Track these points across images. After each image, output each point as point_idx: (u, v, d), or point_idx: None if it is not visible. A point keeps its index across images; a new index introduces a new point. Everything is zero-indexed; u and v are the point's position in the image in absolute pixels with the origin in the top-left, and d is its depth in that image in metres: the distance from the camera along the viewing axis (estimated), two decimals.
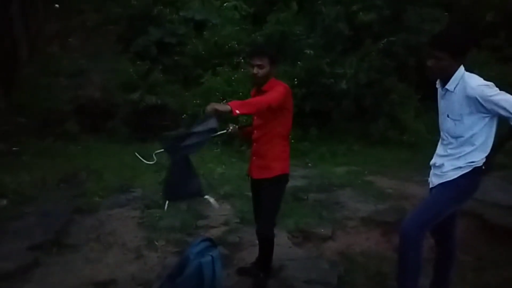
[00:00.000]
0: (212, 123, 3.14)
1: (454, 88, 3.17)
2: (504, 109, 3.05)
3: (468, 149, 3.21)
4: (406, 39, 9.72)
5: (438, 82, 3.35)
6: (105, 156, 7.86)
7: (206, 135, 3.20)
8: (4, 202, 5.66)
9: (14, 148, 8.07)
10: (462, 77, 3.17)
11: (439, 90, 3.35)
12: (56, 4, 12.27)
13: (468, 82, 3.13)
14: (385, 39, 9.65)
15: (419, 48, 9.79)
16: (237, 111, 3.08)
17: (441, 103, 3.34)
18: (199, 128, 3.18)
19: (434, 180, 3.39)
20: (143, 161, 3.66)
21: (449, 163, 3.28)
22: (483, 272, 4.37)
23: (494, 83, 3.18)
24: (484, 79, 3.20)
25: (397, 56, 9.81)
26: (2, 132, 8.42)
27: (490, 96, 3.06)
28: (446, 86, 3.21)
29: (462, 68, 3.19)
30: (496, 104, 3.06)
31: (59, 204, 5.66)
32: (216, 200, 5.69)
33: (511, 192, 5.67)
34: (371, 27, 10.02)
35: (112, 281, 4.05)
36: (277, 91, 3.53)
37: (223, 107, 3.07)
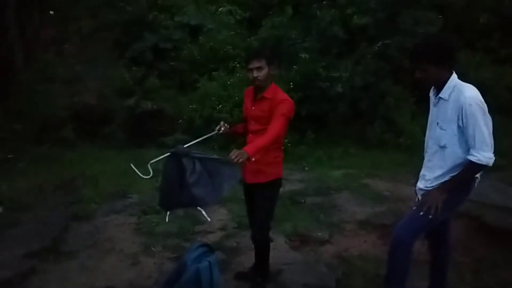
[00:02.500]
0: (237, 175, 3.44)
1: (448, 96, 3.14)
2: (474, 137, 3.04)
3: (450, 163, 3.20)
4: (401, 42, 9.71)
5: (432, 90, 3.35)
6: (101, 162, 7.84)
7: (230, 180, 3.40)
8: (0, 209, 5.65)
9: (10, 155, 8.05)
10: (456, 85, 3.14)
11: (432, 98, 3.33)
12: (52, 11, 12.26)
13: (463, 90, 3.10)
14: (380, 42, 9.66)
15: None
16: (253, 159, 3.32)
17: (433, 111, 3.33)
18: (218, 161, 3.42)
19: (422, 193, 3.39)
20: (139, 175, 3.64)
21: (436, 181, 3.27)
22: (481, 274, 4.37)
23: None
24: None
25: (392, 59, 9.82)
26: None
27: (475, 115, 3.02)
28: (440, 95, 3.19)
29: (455, 75, 3.17)
30: (472, 127, 3.03)
31: (55, 211, 5.65)
32: (213, 205, 5.68)
33: (508, 193, 5.67)
34: (366, 30, 10.04)
35: None
36: (283, 115, 3.52)
37: (244, 155, 3.20)
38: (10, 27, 9.73)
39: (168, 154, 3.43)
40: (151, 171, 3.50)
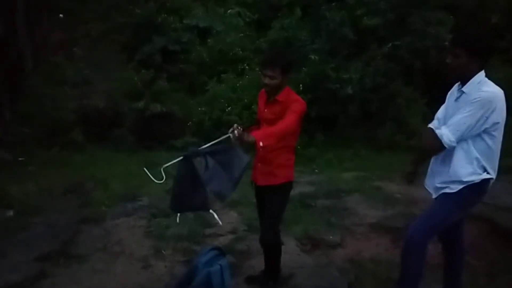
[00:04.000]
0: (244, 159, 3.35)
1: (469, 91, 3.12)
2: (452, 119, 3.10)
3: (465, 157, 3.17)
4: (411, 43, 9.69)
5: (457, 84, 3.30)
6: (111, 165, 7.84)
7: (240, 165, 3.35)
8: (11, 212, 5.65)
9: (20, 158, 8.06)
10: (481, 81, 3.11)
11: (455, 92, 3.29)
12: (61, 14, 12.32)
13: (483, 85, 3.09)
14: (390, 43, 9.63)
15: (424, 52, 9.76)
16: (261, 143, 3.19)
17: (453, 106, 3.27)
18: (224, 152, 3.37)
19: (436, 190, 3.36)
20: (152, 179, 3.61)
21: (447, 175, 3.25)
22: (495, 277, 4.33)
23: (500, 85, 3.13)
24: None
25: (403, 60, 9.78)
26: (8, 142, 8.42)
27: (472, 105, 3.03)
28: (463, 88, 3.16)
29: (483, 73, 3.14)
30: (461, 113, 3.07)
31: (65, 214, 5.64)
32: (223, 208, 5.66)
33: None
34: (376, 32, 10.01)
35: None
36: (295, 112, 3.48)
37: (248, 138, 3.16)
38: (19, 30, 9.74)
39: (181, 157, 3.40)
40: (163, 175, 3.47)
